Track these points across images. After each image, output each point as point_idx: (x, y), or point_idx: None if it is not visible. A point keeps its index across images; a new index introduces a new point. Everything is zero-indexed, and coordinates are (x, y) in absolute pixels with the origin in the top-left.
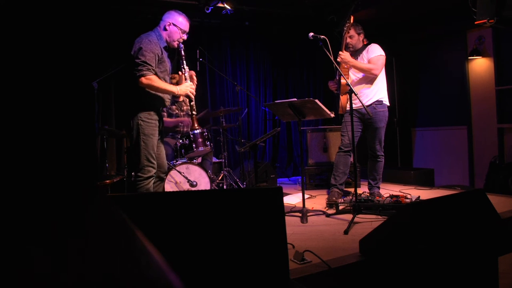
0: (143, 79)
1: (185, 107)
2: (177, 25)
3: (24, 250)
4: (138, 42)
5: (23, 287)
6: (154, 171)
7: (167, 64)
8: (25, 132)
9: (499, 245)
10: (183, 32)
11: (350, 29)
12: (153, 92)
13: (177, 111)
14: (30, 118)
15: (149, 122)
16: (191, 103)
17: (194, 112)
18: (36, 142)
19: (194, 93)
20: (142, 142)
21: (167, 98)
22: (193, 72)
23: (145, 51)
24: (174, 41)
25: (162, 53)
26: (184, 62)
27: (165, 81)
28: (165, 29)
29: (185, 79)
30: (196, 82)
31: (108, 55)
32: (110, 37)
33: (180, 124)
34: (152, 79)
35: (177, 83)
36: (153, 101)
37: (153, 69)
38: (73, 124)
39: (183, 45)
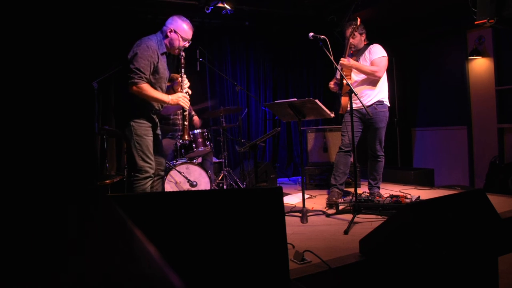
0: (134, 87)
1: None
2: (178, 32)
3: (24, 249)
4: (136, 47)
5: (24, 287)
6: (152, 171)
7: (164, 71)
8: (25, 132)
9: (499, 245)
10: (185, 40)
11: (356, 31)
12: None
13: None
14: (31, 118)
15: (140, 123)
16: (184, 113)
17: (186, 123)
18: (36, 142)
19: (188, 103)
20: (136, 143)
21: (156, 104)
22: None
23: (140, 58)
24: (175, 49)
25: (158, 62)
26: (183, 70)
27: (161, 88)
28: (166, 36)
29: (181, 88)
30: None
31: (108, 55)
32: (110, 37)
33: (178, 117)
34: (142, 88)
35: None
36: (144, 105)
37: (145, 77)
38: (73, 124)
39: (183, 53)
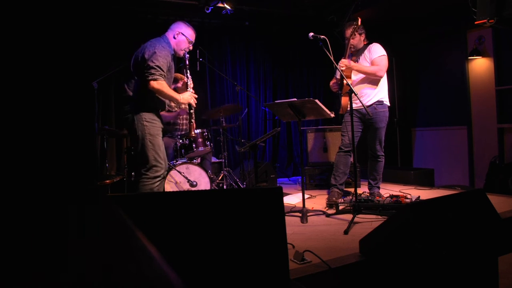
0: (154, 83)
1: (183, 105)
2: (185, 35)
3: (24, 249)
4: (152, 47)
5: (24, 287)
6: (162, 171)
7: (173, 72)
8: (25, 132)
9: (499, 245)
10: (190, 42)
11: (356, 31)
12: (159, 96)
13: (176, 109)
14: (31, 118)
15: (153, 122)
16: (191, 111)
17: (192, 120)
18: (36, 142)
19: (196, 101)
20: (149, 142)
21: (167, 101)
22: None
23: (159, 57)
24: (181, 50)
25: (172, 61)
26: (188, 71)
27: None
28: (174, 38)
29: (187, 88)
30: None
31: (108, 55)
32: (110, 37)
33: (179, 117)
34: (162, 85)
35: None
36: (156, 104)
37: (164, 75)
38: (74, 124)
39: (188, 55)
